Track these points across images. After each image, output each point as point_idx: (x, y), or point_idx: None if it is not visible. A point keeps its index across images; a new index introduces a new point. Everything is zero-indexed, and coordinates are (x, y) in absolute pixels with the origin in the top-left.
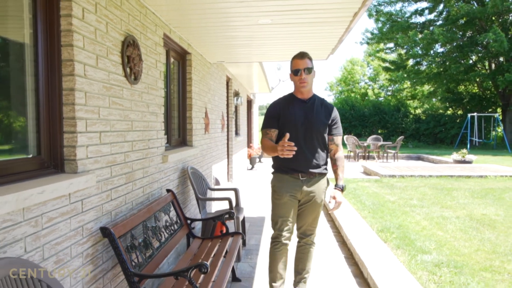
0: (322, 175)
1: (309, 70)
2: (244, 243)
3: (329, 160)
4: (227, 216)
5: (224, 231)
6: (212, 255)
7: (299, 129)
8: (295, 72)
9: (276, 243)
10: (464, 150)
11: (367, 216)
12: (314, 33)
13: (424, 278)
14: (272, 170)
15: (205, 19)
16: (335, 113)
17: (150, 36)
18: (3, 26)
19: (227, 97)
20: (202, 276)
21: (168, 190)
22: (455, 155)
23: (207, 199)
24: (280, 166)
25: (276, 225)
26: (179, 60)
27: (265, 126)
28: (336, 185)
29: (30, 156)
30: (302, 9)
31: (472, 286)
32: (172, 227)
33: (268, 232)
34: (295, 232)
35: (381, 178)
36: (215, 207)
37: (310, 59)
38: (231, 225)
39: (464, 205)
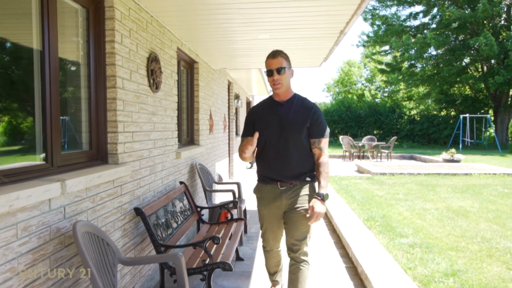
0: (305, 183)
1: (282, 70)
2: (245, 230)
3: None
4: (231, 205)
5: (229, 217)
6: (220, 236)
7: (273, 135)
8: (268, 73)
9: (265, 247)
10: (453, 150)
11: (356, 208)
12: (307, 45)
13: (399, 256)
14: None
15: (212, 34)
16: (316, 113)
17: (167, 51)
18: (66, 51)
19: (229, 99)
20: (214, 247)
21: (181, 182)
22: (445, 155)
23: (213, 191)
24: (260, 176)
25: (262, 230)
26: (187, 68)
27: (243, 135)
28: (316, 194)
29: (85, 150)
30: (296, 27)
31: (438, 261)
32: (186, 213)
33: None
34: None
35: (373, 176)
36: (219, 199)
37: (285, 57)
38: (234, 214)
39: (445, 198)
